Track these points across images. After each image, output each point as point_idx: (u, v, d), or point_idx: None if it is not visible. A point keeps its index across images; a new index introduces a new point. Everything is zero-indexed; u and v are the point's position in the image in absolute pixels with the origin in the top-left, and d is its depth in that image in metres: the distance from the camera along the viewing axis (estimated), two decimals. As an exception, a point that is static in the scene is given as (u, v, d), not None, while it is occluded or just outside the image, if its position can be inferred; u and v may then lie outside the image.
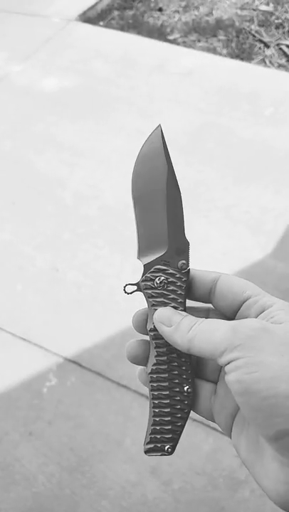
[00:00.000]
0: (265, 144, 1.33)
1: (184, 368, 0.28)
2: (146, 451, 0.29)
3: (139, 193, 0.29)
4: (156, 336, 0.28)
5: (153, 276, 0.28)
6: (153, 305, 0.28)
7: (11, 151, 1.37)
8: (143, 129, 1.37)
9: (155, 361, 0.28)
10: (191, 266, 0.29)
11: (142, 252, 0.29)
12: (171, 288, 0.28)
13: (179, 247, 0.29)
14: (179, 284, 0.28)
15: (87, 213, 1.19)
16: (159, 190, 0.29)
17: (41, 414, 0.86)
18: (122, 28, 1.83)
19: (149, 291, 0.28)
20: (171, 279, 0.28)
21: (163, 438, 0.28)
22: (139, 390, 0.87)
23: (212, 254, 1.08)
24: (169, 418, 0.28)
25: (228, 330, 0.24)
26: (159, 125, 0.30)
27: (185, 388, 0.28)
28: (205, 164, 1.28)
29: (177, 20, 1.88)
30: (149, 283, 0.28)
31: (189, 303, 0.29)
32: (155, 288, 0.28)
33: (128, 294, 0.29)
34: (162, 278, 0.28)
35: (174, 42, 1.78)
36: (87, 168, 1.30)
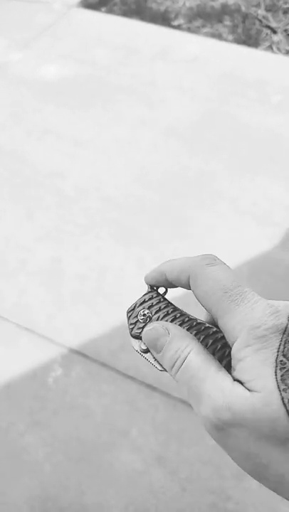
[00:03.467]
0: (272, 133, 1.30)
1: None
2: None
3: None
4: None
5: (134, 319, 0.25)
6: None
7: (10, 141, 1.35)
8: (145, 118, 1.35)
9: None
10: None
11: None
12: (158, 315, 0.25)
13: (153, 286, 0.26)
14: (162, 308, 0.25)
15: (88, 205, 1.18)
16: None
17: (47, 404, 0.86)
18: (124, 14, 1.79)
19: (138, 332, 0.25)
20: (152, 309, 0.25)
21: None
22: (145, 381, 0.87)
23: (218, 246, 1.07)
24: None
25: (213, 409, 0.19)
26: None
27: None
28: (210, 154, 1.26)
29: (181, 6, 1.84)
30: (135, 328, 0.25)
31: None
32: (140, 323, 0.25)
33: (140, 351, 0.25)
34: (146, 312, 0.25)
35: (178, 28, 1.73)
36: (88, 158, 1.28)
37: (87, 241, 1.11)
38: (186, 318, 0.24)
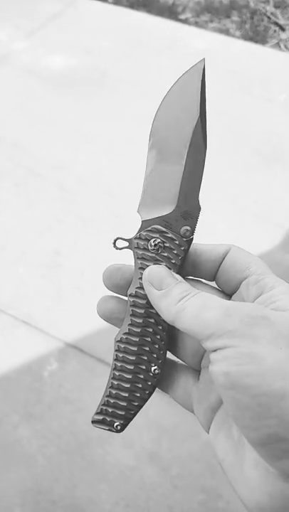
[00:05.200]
0: (277, 131, 1.29)
1: (156, 345, 0.25)
2: (94, 422, 0.26)
3: (159, 136, 0.24)
4: (136, 303, 0.25)
5: (149, 236, 0.24)
6: (141, 268, 0.25)
7: (14, 131, 1.33)
8: (150, 112, 1.33)
9: (127, 330, 0.25)
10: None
11: (143, 206, 0.25)
12: (166, 254, 0.24)
13: (188, 211, 0.24)
14: (176, 251, 0.24)
15: (90, 198, 1.17)
16: (183, 137, 0.24)
17: (42, 397, 0.86)
18: (131, 6, 1.76)
19: (140, 252, 0.25)
20: (168, 245, 0.24)
21: (115, 413, 0.26)
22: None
23: (218, 243, 1.07)
24: (127, 394, 0.25)
25: (221, 312, 0.20)
26: (203, 59, 0.26)
27: (152, 368, 0.25)
28: (213, 151, 1.24)
29: (189, -1, 1.81)
30: (142, 242, 0.25)
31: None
32: (147, 250, 0.24)
33: (118, 249, 0.26)
34: (158, 241, 0.24)
35: (185, 22, 1.71)
36: (90, 151, 1.27)
37: (87, 234, 1.11)
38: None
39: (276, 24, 1.70)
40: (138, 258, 0.25)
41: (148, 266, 0.24)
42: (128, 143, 1.28)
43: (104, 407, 0.26)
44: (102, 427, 0.26)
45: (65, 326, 0.95)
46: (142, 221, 0.25)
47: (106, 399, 0.26)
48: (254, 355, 0.19)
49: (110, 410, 0.26)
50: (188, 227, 0.24)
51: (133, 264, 0.26)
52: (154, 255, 0.25)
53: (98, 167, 1.24)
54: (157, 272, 0.23)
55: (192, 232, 0.25)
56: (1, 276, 1.04)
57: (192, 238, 0.25)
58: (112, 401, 0.26)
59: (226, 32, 1.67)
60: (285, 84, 1.41)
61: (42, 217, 1.14)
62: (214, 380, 0.20)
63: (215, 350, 0.20)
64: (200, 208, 0.25)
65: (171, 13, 1.75)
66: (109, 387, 0.26)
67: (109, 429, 0.26)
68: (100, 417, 0.26)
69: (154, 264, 0.24)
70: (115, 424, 0.26)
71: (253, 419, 0.19)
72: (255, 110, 1.34)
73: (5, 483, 0.78)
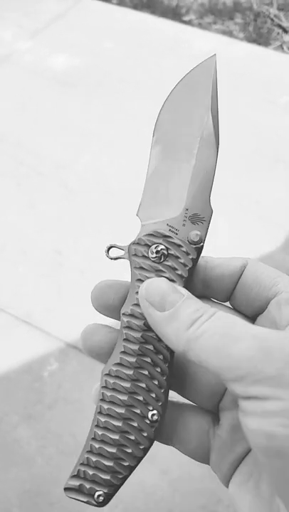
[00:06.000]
0: (279, 133, 1.29)
1: (156, 381, 0.19)
2: (67, 489, 0.20)
3: (164, 130, 0.21)
4: (131, 324, 0.20)
5: (149, 241, 0.20)
6: (139, 280, 0.20)
7: (16, 130, 1.33)
8: (153, 113, 1.33)
9: (119, 360, 0.20)
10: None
11: (144, 208, 0.20)
12: (170, 264, 0.19)
13: (197, 214, 0.20)
14: (182, 260, 0.19)
15: (91, 198, 1.17)
16: (193, 133, 0.21)
17: (41, 397, 0.86)
18: (135, 7, 1.77)
19: (138, 260, 0.20)
20: (172, 252, 0.19)
21: (97, 477, 0.19)
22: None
23: (220, 246, 1.06)
24: (115, 450, 0.19)
25: (256, 346, 0.15)
26: (214, 55, 0.24)
27: (150, 413, 0.19)
28: (216, 152, 1.24)
29: (193, 1, 1.81)
30: (141, 249, 0.20)
31: None
32: (147, 258, 0.20)
33: (111, 259, 0.21)
34: (161, 247, 0.19)
35: (188, 23, 1.71)
36: (92, 150, 1.27)
37: (88, 234, 1.10)
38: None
39: (279, 26, 1.70)
40: (135, 268, 0.20)
41: (147, 277, 0.19)
42: (130, 143, 1.27)
43: (84, 468, 0.19)
44: (78, 497, 0.19)
45: (65, 326, 0.95)
46: (142, 225, 0.21)
47: (86, 456, 0.19)
48: None
49: (91, 473, 0.19)
50: (198, 232, 0.20)
51: (130, 277, 0.21)
52: (155, 264, 0.20)
53: (100, 167, 1.24)
54: (157, 287, 0.18)
55: (202, 239, 0.20)
56: (1, 275, 1.03)
57: (202, 246, 0.20)
58: (93, 459, 0.19)
59: (229, 34, 1.67)
60: (287, 86, 1.41)
61: (43, 217, 1.14)
62: (249, 439, 0.16)
63: (249, 398, 0.15)
64: (212, 211, 0.20)
65: (174, 14, 1.75)
66: (91, 439, 0.20)
67: (87, 501, 0.19)
68: (77, 484, 0.19)
69: (156, 276, 0.19)
70: (96, 494, 0.19)
71: None
72: (258, 111, 1.34)
73: (3, 484, 0.77)
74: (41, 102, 1.40)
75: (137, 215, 0.21)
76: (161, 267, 0.20)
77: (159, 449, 0.81)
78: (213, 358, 0.16)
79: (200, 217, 0.20)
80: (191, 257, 0.20)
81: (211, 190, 0.21)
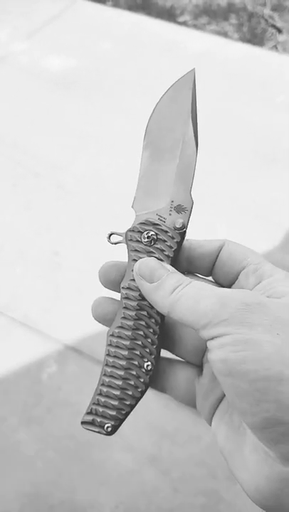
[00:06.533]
0: (275, 132, 1.29)
1: (149, 339, 0.25)
2: (83, 423, 0.25)
3: (152, 137, 0.26)
4: (128, 295, 0.25)
5: (142, 228, 0.25)
6: (134, 260, 0.25)
7: (12, 132, 1.33)
8: (148, 113, 1.34)
9: (120, 324, 0.25)
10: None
11: (138, 201, 0.26)
12: (159, 246, 0.25)
13: (181, 205, 0.25)
14: (169, 243, 0.25)
15: (89, 198, 1.17)
16: (176, 137, 0.26)
17: (41, 400, 0.85)
18: (130, 8, 1.77)
19: (133, 244, 0.25)
20: (161, 237, 0.25)
21: (105, 413, 0.25)
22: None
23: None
24: (119, 393, 0.24)
25: (215, 300, 0.20)
26: (193, 69, 0.28)
27: (145, 364, 0.24)
28: (212, 151, 1.25)
29: (188, 2, 1.82)
30: (135, 235, 0.25)
31: None
32: (141, 242, 0.25)
33: (112, 243, 0.26)
34: (151, 233, 0.25)
35: (183, 24, 1.72)
36: (89, 152, 1.27)
37: (86, 235, 1.10)
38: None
39: (273, 27, 1.71)
40: (131, 250, 0.25)
41: (141, 258, 0.25)
42: (126, 144, 1.27)
43: (95, 407, 0.25)
44: (92, 428, 0.25)
45: (64, 328, 0.94)
46: (136, 215, 0.26)
47: (97, 397, 0.25)
48: (251, 342, 0.19)
49: (101, 410, 0.25)
50: (182, 220, 0.25)
51: (127, 258, 0.26)
52: (147, 247, 0.25)
53: (96, 167, 1.23)
54: (147, 264, 0.24)
55: (185, 225, 0.25)
56: (-1, 278, 1.03)
57: (185, 231, 0.25)
58: (102, 400, 0.25)
59: (224, 34, 1.68)
60: (282, 86, 1.42)
61: (40, 217, 1.13)
62: (213, 368, 0.20)
63: (212, 339, 0.20)
64: (193, 202, 0.25)
65: (169, 15, 1.75)
66: (100, 385, 0.25)
67: (99, 432, 0.25)
68: (90, 418, 0.25)
69: (148, 256, 0.25)
70: (106, 426, 0.25)
71: (251, 404, 0.19)
72: (254, 111, 1.35)
73: (3, 488, 0.77)
74: (37, 103, 1.40)
75: (132, 207, 0.26)
76: (151, 249, 0.25)
77: (159, 450, 0.81)
78: (188, 316, 0.21)
79: (183, 207, 0.25)
80: (176, 240, 0.25)
81: (192, 185, 0.26)
